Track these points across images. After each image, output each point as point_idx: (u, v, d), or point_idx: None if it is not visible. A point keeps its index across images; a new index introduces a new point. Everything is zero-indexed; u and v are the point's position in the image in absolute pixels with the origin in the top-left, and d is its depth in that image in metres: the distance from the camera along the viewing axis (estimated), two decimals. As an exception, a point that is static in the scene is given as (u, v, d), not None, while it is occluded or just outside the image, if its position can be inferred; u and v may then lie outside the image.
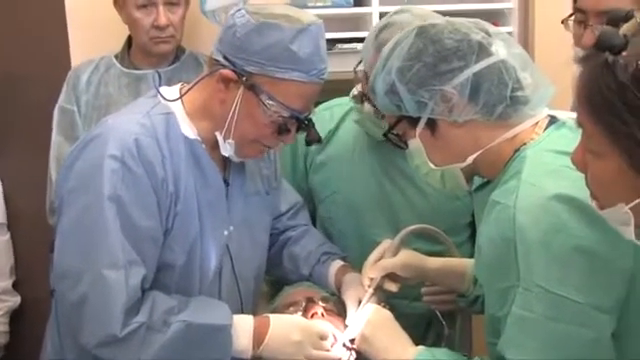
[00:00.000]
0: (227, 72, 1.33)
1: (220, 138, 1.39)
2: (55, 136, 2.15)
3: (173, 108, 1.40)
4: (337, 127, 1.79)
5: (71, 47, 2.33)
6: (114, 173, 1.29)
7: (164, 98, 1.39)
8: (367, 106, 1.61)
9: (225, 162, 1.47)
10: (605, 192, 0.96)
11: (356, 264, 1.60)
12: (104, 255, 1.29)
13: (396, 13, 1.59)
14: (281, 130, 1.37)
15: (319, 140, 1.45)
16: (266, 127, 1.37)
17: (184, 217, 1.37)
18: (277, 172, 1.66)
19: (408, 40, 1.23)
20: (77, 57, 2.29)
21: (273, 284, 1.76)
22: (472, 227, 1.75)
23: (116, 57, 2.19)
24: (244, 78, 1.33)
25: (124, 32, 2.17)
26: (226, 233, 1.46)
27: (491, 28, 1.25)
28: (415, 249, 1.57)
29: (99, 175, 1.29)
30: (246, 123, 1.36)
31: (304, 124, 1.40)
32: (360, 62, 1.65)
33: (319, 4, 2.24)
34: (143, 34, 2.10)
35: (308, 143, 1.45)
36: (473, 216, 1.71)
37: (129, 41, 2.20)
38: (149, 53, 2.14)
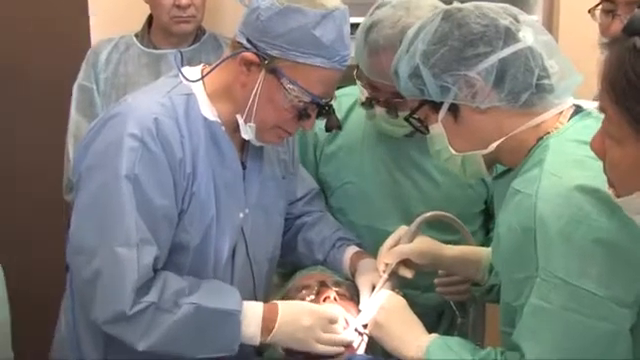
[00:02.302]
0: (249, 55, 1.33)
1: (241, 121, 1.39)
2: (73, 114, 2.16)
3: (194, 89, 1.39)
4: (346, 117, 1.77)
5: (91, 26, 2.33)
6: (132, 152, 1.29)
7: (186, 79, 1.39)
8: (378, 109, 1.59)
9: (244, 145, 1.47)
10: (623, 180, 0.95)
11: (369, 255, 1.59)
12: (118, 233, 1.29)
13: (377, 8, 1.56)
14: (301, 115, 1.37)
15: (339, 127, 1.44)
16: (287, 112, 1.36)
17: (200, 198, 1.37)
18: (295, 158, 1.66)
19: (434, 24, 1.21)
20: (97, 36, 2.29)
21: (284, 276, 1.75)
22: (484, 216, 1.74)
23: (136, 36, 2.19)
24: (266, 62, 1.32)
25: (145, 11, 2.17)
26: (241, 215, 1.46)
27: (520, 14, 1.23)
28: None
29: (117, 153, 1.29)
30: (267, 107, 1.35)
31: (325, 110, 1.39)
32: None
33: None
34: (164, 13, 2.10)
35: (327, 129, 1.44)
36: (486, 204, 1.71)
37: (149, 20, 2.20)
38: (170, 33, 2.14)
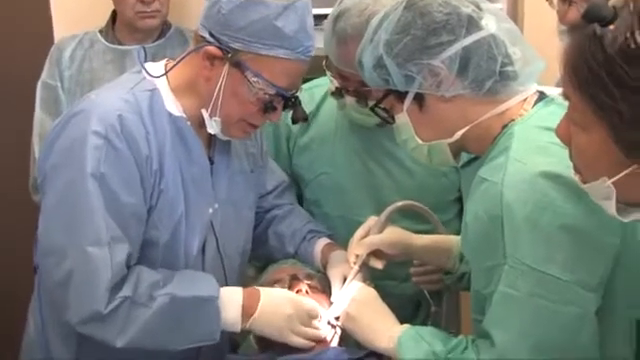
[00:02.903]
0: (212, 49, 1.31)
1: (206, 115, 1.37)
2: (38, 112, 2.12)
3: (158, 84, 1.38)
4: (318, 108, 1.76)
5: (54, 22, 2.29)
6: (97, 150, 1.28)
7: (149, 74, 1.37)
8: (348, 98, 1.59)
9: (210, 140, 1.46)
10: (588, 166, 0.95)
11: (342, 246, 1.59)
12: (88, 232, 1.28)
13: None
14: (267, 108, 1.36)
15: (305, 118, 1.44)
16: (252, 105, 1.35)
17: (168, 194, 1.36)
18: (263, 151, 1.65)
19: (396, 13, 1.21)
20: (60, 32, 2.26)
21: (260, 270, 1.74)
22: (460, 204, 1.74)
23: (100, 32, 2.16)
24: (229, 55, 1.31)
25: (108, 7, 2.14)
26: (210, 211, 1.45)
27: (482, 2, 1.23)
28: (401, 228, 1.56)
29: (82, 151, 1.28)
30: (232, 101, 1.34)
31: (290, 102, 1.38)
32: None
33: (312, -21, 2.21)
34: (128, 9, 2.06)
35: (294, 121, 1.43)
36: (461, 192, 1.71)
37: (114, 16, 2.17)
38: (134, 28, 2.11)
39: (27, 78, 2.15)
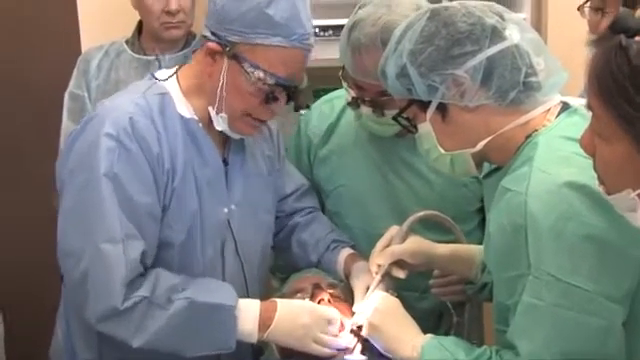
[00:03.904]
0: (212, 45, 1.35)
1: (212, 112, 1.40)
2: (65, 121, 2.15)
3: (169, 88, 1.42)
4: (338, 119, 1.77)
5: (81, 33, 2.33)
6: (110, 151, 1.31)
7: (155, 78, 1.42)
8: (364, 108, 1.59)
9: (225, 141, 1.48)
10: (612, 177, 0.95)
11: (363, 257, 1.59)
12: (102, 230, 1.30)
13: (360, 8, 1.56)
14: (268, 99, 1.37)
15: (307, 106, 1.45)
16: (253, 97, 1.36)
17: (182, 193, 1.38)
18: (280, 154, 1.66)
19: (420, 23, 1.21)
20: (87, 43, 2.29)
21: (284, 281, 1.74)
22: (481, 214, 1.72)
23: (127, 42, 2.19)
24: (227, 48, 1.34)
25: (134, 17, 2.17)
26: (226, 211, 1.46)
27: (505, 12, 1.23)
28: None
29: (95, 154, 1.31)
30: (234, 94, 1.37)
31: (292, 92, 1.38)
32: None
33: (330, -10, 2.23)
34: (154, 19, 2.09)
35: (296, 109, 1.44)
36: (482, 202, 1.70)
37: (139, 26, 2.20)
38: (160, 39, 2.13)
39: (55, 88, 2.18)
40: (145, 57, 2.16)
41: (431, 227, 1.61)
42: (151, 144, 1.34)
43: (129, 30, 2.20)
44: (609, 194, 0.96)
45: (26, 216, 2.59)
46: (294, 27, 1.33)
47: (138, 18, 2.17)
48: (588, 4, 1.78)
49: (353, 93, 1.59)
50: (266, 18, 1.32)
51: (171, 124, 1.39)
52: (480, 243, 1.60)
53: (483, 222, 1.73)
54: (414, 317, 1.37)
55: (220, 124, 1.40)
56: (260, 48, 1.33)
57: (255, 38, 1.32)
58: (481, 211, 1.72)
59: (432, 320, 1.73)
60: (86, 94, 2.14)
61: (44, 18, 2.39)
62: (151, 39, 2.16)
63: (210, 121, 1.42)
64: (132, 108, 1.36)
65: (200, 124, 1.42)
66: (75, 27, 2.32)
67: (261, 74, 1.33)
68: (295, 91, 1.39)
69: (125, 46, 2.18)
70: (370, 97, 1.56)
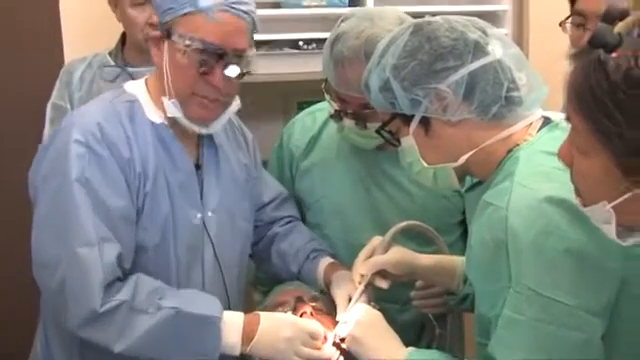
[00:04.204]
0: (154, 33, 1.40)
1: (165, 100, 1.40)
2: (47, 132, 2.13)
3: (138, 96, 1.44)
4: (320, 132, 1.77)
5: (64, 44, 2.32)
6: (80, 157, 1.33)
7: (124, 88, 1.45)
8: (347, 121, 1.60)
9: (198, 147, 1.49)
10: (589, 189, 0.96)
11: (344, 266, 1.59)
12: (77, 235, 1.31)
13: (343, 21, 1.57)
14: (201, 66, 1.36)
15: (243, 74, 1.40)
16: (189, 69, 1.36)
17: (154, 197, 1.39)
18: (256, 162, 1.67)
19: (404, 37, 1.22)
20: (70, 54, 2.28)
21: (266, 294, 1.74)
22: (463, 226, 1.74)
23: (110, 54, 2.18)
24: (164, 30, 1.37)
25: (118, 29, 2.16)
26: (199, 215, 1.46)
27: (488, 27, 1.24)
28: None
29: (66, 160, 1.33)
30: (174, 72, 1.38)
31: (231, 58, 1.36)
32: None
33: (314, 3, 2.24)
34: (137, 32, 2.08)
35: (240, 76, 1.40)
36: (464, 214, 1.71)
37: (123, 38, 2.19)
38: (143, 50, 2.12)
39: (38, 99, 2.17)
40: (128, 69, 2.15)
41: (413, 238, 1.61)
42: (121, 149, 1.36)
43: (112, 42, 2.19)
44: (585, 206, 0.97)
45: (4, 227, 2.55)
46: None
47: (121, 30, 2.16)
48: (570, 20, 1.80)
49: (336, 106, 1.60)
50: None
51: (141, 130, 1.40)
52: (462, 255, 1.61)
53: (465, 234, 1.75)
54: (396, 329, 1.37)
55: (173, 111, 1.40)
56: (187, 18, 1.35)
57: (179, 10, 1.35)
58: (463, 223, 1.73)
59: (414, 332, 1.73)
60: (69, 105, 2.13)
61: (27, 29, 2.38)
62: (135, 51, 2.15)
63: (182, 126, 1.42)
64: (99, 114, 1.38)
65: (171, 130, 1.43)
66: (58, 38, 2.31)
67: (187, 41, 1.34)
68: (239, 57, 1.37)
69: (108, 58, 2.17)
70: (353, 110, 1.57)
